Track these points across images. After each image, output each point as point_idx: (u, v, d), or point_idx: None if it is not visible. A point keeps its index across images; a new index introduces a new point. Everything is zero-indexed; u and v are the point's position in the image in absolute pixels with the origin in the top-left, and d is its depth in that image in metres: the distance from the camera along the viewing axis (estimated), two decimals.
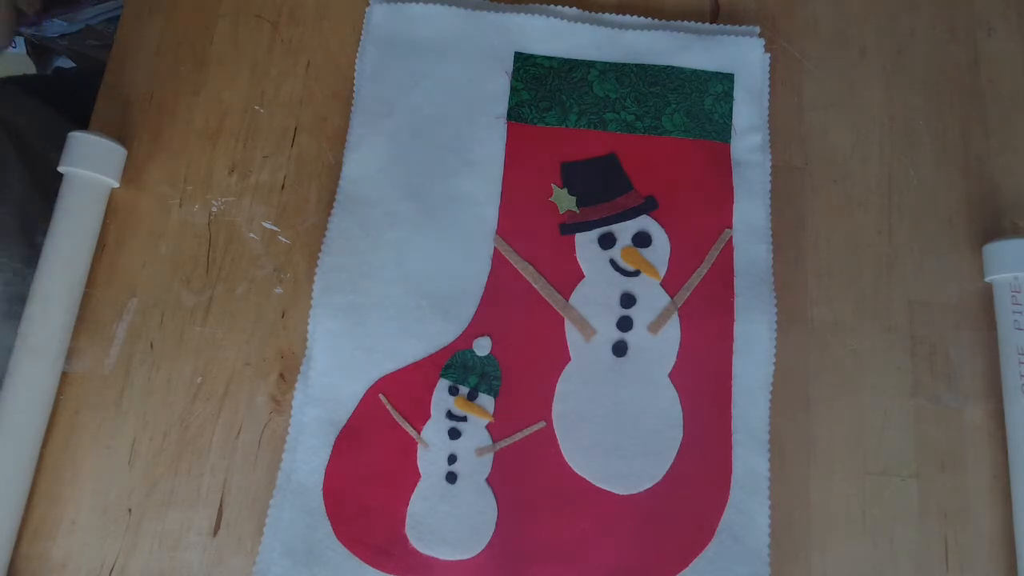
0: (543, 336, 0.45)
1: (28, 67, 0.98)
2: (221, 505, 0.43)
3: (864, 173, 0.49)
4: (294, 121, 0.49)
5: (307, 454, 0.43)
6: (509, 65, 0.49)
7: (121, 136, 0.48)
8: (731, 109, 0.49)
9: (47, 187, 0.54)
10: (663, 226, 0.47)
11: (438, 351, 0.44)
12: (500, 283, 0.46)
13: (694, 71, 0.49)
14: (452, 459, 0.43)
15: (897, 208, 0.49)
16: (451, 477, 0.42)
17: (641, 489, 0.43)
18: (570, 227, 0.47)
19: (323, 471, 0.42)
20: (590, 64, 0.49)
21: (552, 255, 0.46)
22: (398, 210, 0.47)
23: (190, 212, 0.48)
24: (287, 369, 0.45)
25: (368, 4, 0.51)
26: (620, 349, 0.45)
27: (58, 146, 0.45)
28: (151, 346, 0.45)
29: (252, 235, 0.47)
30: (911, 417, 0.45)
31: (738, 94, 0.49)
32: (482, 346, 0.45)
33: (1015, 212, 0.49)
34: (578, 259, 0.46)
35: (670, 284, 0.46)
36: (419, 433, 0.43)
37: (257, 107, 0.49)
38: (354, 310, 0.45)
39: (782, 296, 0.46)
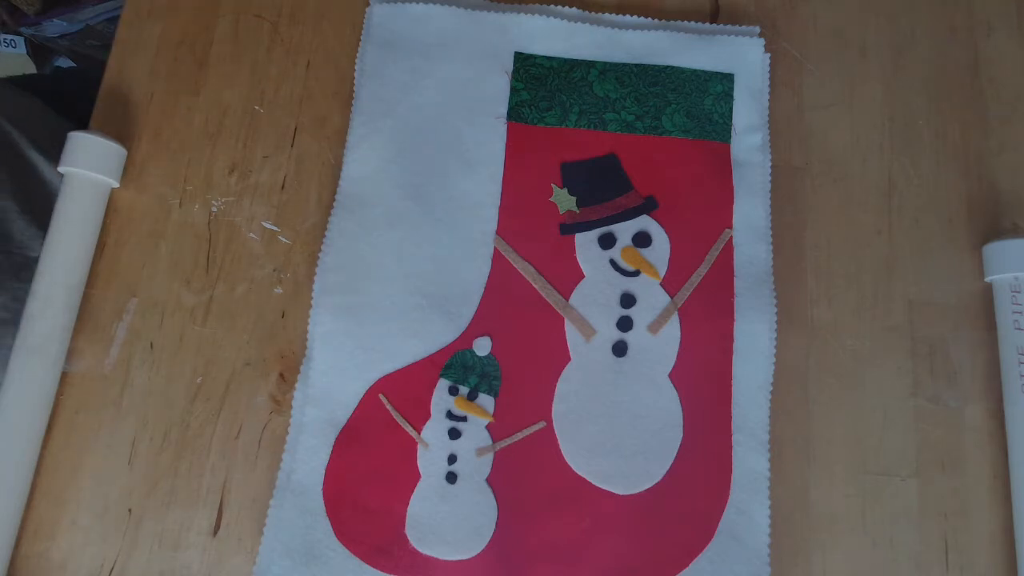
0: (543, 336, 0.45)
1: (28, 67, 0.98)
2: (221, 505, 0.43)
3: (864, 173, 0.49)
4: (294, 121, 0.49)
5: (307, 454, 0.43)
6: (509, 65, 0.49)
7: (121, 136, 0.48)
8: (731, 109, 0.49)
9: (29, 190, 0.54)
10: (663, 226, 0.47)
11: (438, 351, 0.44)
12: (500, 283, 0.46)
13: (694, 71, 0.49)
14: (452, 459, 0.43)
15: (897, 208, 0.49)
16: (451, 477, 0.42)
17: (641, 489, 0.43)
18: (570, 227, 0.47)
19: (323, 471, 0.42)
20: (590, 64, 0.49)
21: (552, 255, 0.46)
22: (398, 210, 0.47)
23: (190, 212, 0.48)
24: (287, 369, 0.45)
25: (368, 4, 0.51)
26: (620, 349, 0.45)
27: (57, 146, 0.45)
28: (151, 346, 0.45)
29: (252, 235, 0.47)
30: (911, 417, 0.45)
31: (738, 94, 0.49)
32: (482, 346, 0.45)
33: (1015, 212, 0.49)
34: (578, 259, 0.46)
35: (670, 284, 0.46)
36: (419, 433, 0.43)
37: (257, 107, 0.50)
38: (354, 310, 0.45)
39: (782, 296, 0.46)
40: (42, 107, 0.60)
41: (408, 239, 0.46)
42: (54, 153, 0.45)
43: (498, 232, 0.47)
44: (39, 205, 0.51)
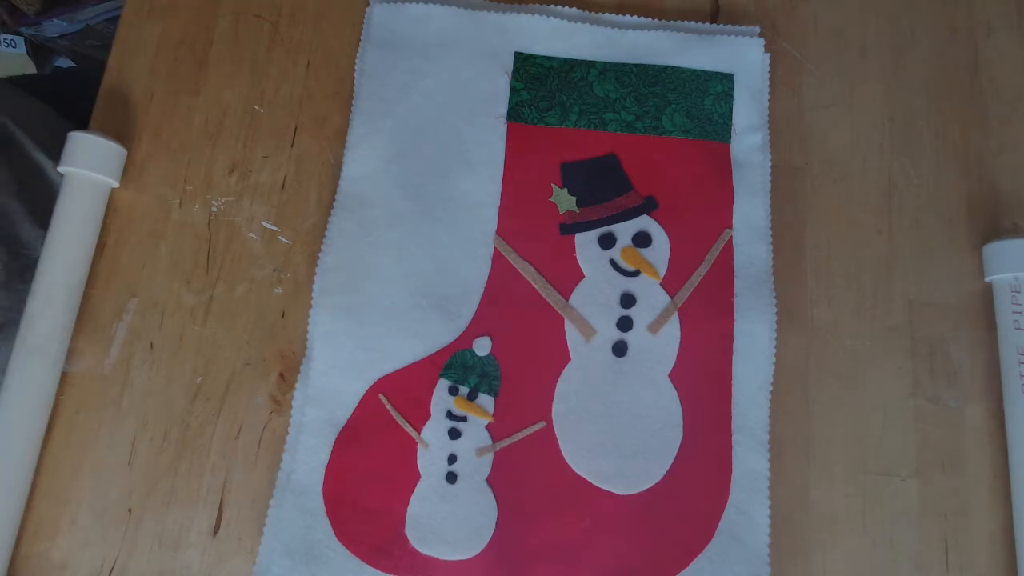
0: (543, 336, 0.45)
1: (28, 67, 0.98)
2: (221, 505, 0.43)
3: (864, 173, 0.49)
4: (294, 121, 0.49)
5: (307, 454, 0.43)
6: (509, 65, 0.49)
7: (121, 136, 0.48)
8: (731, 109, 0.49)
9: (34, 192, 0.54)
10: (663, 226, 0.47)
11: (438, 351, 0.44)
12: (500, 283, 0.46)
13: (694, 71, 0.49)
14: (452, 459, 0.43)
15: (897, 208, 0.49)
16: (451, 477, 0.42)
17: (641, 489, 0.43)
18: (570, 227, 0.47)
19: (323, 471, 0.42)
20: (590, 64, 0.49)
21: (552, 255, 0.46)
22: (398, 210, 0.47)
23: (190, 212, 0.48)
24: (287, 369, 0.45)
25: (368, 4, 0.51)
26: (620, 349, 0.45)
27: (60, 147, 0.45)
28: (151, 346, 0.45)
29: (252, 235, 0.47)
30: (911, 417, 0.45)
31: (738, 94, 0.49)
32: (482, 346, 0.45)
33: (1015, 212, 0.49)
34: (578, 259, 0.46)
35: (670, 284, 0.46)
36: (419, 433, 0.43)
37: (257, 107, 0.50)
38: (354, 310, 0.45)
39: (782, 296, 0.46)
40: (46, 108, 0.60)
41: (408, 239, 0.46)
42: (58, 154, 0.45)
43: (498, 232, 0.47)
44: (44, 206, 0.51)
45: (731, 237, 0.46)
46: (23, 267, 0.52)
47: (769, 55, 0.50)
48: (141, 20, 0.51)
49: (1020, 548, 0.42)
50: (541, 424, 0.44)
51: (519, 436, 0.43)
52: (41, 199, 0.53)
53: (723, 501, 0.42)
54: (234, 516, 0.42)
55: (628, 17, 0.51)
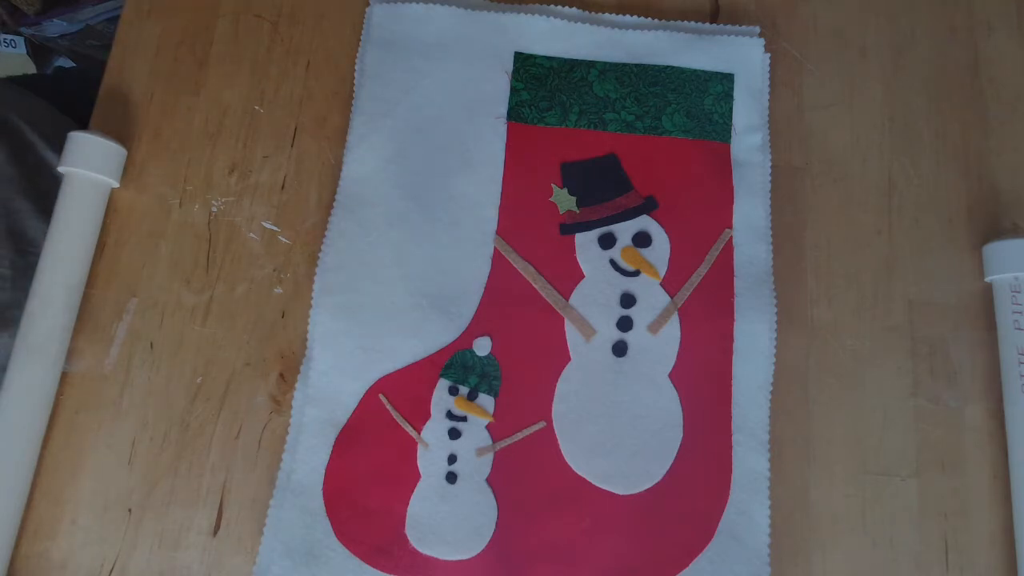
0: (543, 336, 0.45)
1: (28, 67, 0.98)
2: (221, 505, 0.43)
3: (864, 173, 0.49)
4: (294, 121, 0.49)
5: (307, 454, 0.43)
6: (509, 65, 0.49)
7: (121, 136, 0.48)
8: (731, 109, 0.49)
9: (42, 189, 0.53)
10: (663, 226, 0.47)
11: (438, 351, 0.44)
12: (500, 283, 0.46)
13: (694, 71, 0.49)
14: (452, 459, 0.43)
15: (897, 208, 0.49)
16: (451, 477, 0.42)
17: (641, 489, 0.43)
18: (570, 227, 0.47)
19: (323, 471, 0.42)
20: (590, 64, 0.49)
21: (552, 255, 0.46)
22: (398, 210, 0.47)
23: (190, 212, 0.48)
24: (287, 369, 0.45)
25: (368, 4, 0.51)
26: (620, 349, 0.45)
27: (58, 145, 0.45)
28: (151, 346, 0.45)
29: (252, 235, 0.47)
30: (911, 417, 0.45)
31: (738, 94, 0.49)
32: (482, 346, 0.45)
33: (1015, 212, 0.49)
34: (578, 259, 0.46)
35: (670, 284, 0.46)
36: (419, 433, 0.43)
37: (257, 107, 0.50)
38: (354, 310, 0.45)
39: (782, 296, 0.46)
40: (50, 107, 0.60)
41: (408, 239, 0.46)
42: (54, 152, 0.45)
43: (498, 232, 0.47)
44: (51, 204, 0.51)
45: (731, 237, 0.46)
46: (29, 265, 0.52)
47: (769, 55, 0.50)
48: (141, 20, 0.51)
49: (1020, 548, 0.42)
50: (541, 424, 0.44)
51: (519, 436, 0.43)
52: (48, 197, 0.53)
53: (723, 501, 0.42)
54: (234, 516, 0.42)
55: (628, 17, 0.51)
